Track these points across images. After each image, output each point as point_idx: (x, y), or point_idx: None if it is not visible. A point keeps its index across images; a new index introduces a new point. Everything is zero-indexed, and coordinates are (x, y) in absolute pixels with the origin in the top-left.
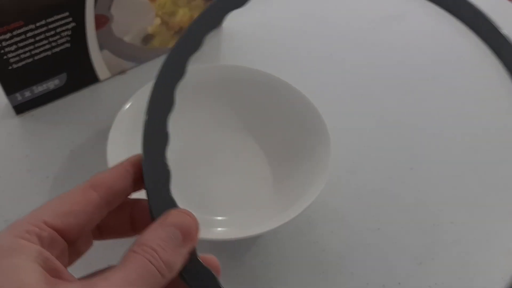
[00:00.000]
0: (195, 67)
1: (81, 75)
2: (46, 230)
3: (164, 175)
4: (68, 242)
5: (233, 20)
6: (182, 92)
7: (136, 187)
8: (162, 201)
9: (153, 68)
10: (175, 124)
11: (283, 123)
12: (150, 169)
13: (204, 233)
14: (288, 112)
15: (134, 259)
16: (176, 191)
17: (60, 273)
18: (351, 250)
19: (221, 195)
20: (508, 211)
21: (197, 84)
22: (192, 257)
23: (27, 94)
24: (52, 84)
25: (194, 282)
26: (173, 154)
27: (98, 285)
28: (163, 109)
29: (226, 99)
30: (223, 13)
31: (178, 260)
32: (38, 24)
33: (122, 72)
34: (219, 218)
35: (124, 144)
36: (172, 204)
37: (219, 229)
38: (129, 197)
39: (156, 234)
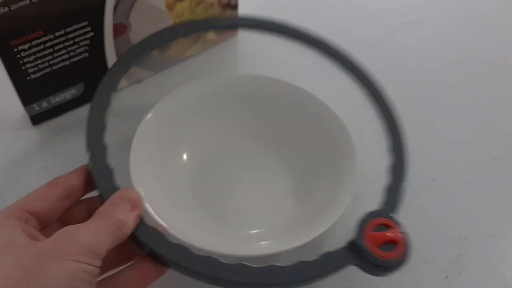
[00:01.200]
0: (214, 77)
1: (98, 84)
2: (21, 212)
3: (108, 171)
4: (41, 222)
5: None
6: (204, 102)
7: (88, 187)
8: (110, 189)
9: (170, 77)
10: (198, 134)
11: (306, 135)
12: (97, 169)
13: (252, 250)
14: (312, 123)
15: (98, 217)
16: (203, 206)
17: (37, 236)
18: None
19: (246, 209)
20: None
21: (218, 93)
22: (141, 222)
23: (44, 104)
24: (69, 94)
25: (144, 236)
26: (196, 166)
27: (79, 233)
28: (99, 129)
29: (248, 109)
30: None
31: (129, 219)
32: (57, 34)
33: (138, 80)
34: (254, 231)
35: (147, 155)
36: (117, 189)
37: (263, 242)
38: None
39: (110, 204)
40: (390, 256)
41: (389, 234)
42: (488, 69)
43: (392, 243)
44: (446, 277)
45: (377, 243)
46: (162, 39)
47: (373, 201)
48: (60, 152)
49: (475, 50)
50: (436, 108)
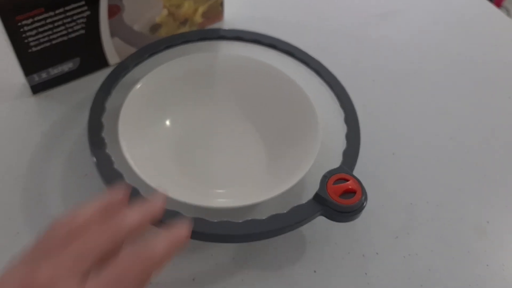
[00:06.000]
0: (196, 55)
1: (93, 59)
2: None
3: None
4: None
5: (233, 14)
6: (189, 76)
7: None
8: None
9: (159, 55)
10: (183, 104)
11: (277, 109)
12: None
13: (208, 203)
14: (283, 98)
15: None
16: (183, 168)
17: None
18: (336, 225)
19: (222, 172)
20: (478, 192)
21: (202, 69)
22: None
23: (44, 75)
24: (66, 67)
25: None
26: (179, 135)
27: None
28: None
29: (226, 85)
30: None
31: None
32: (57, 12)
33: None
34: (220, 191)
35: (134, 122)
36: None
37: (220, 199)
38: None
39: None
40: (350, 202)
41: (347, 184)
42: (451, 61)
43: (350, 192)
44: (397, 237)
45: (338, 193)
46: (155, 48)
47: (334, 162)
48: (58, 119)
49: (442, 43)
50: (400, 91)
